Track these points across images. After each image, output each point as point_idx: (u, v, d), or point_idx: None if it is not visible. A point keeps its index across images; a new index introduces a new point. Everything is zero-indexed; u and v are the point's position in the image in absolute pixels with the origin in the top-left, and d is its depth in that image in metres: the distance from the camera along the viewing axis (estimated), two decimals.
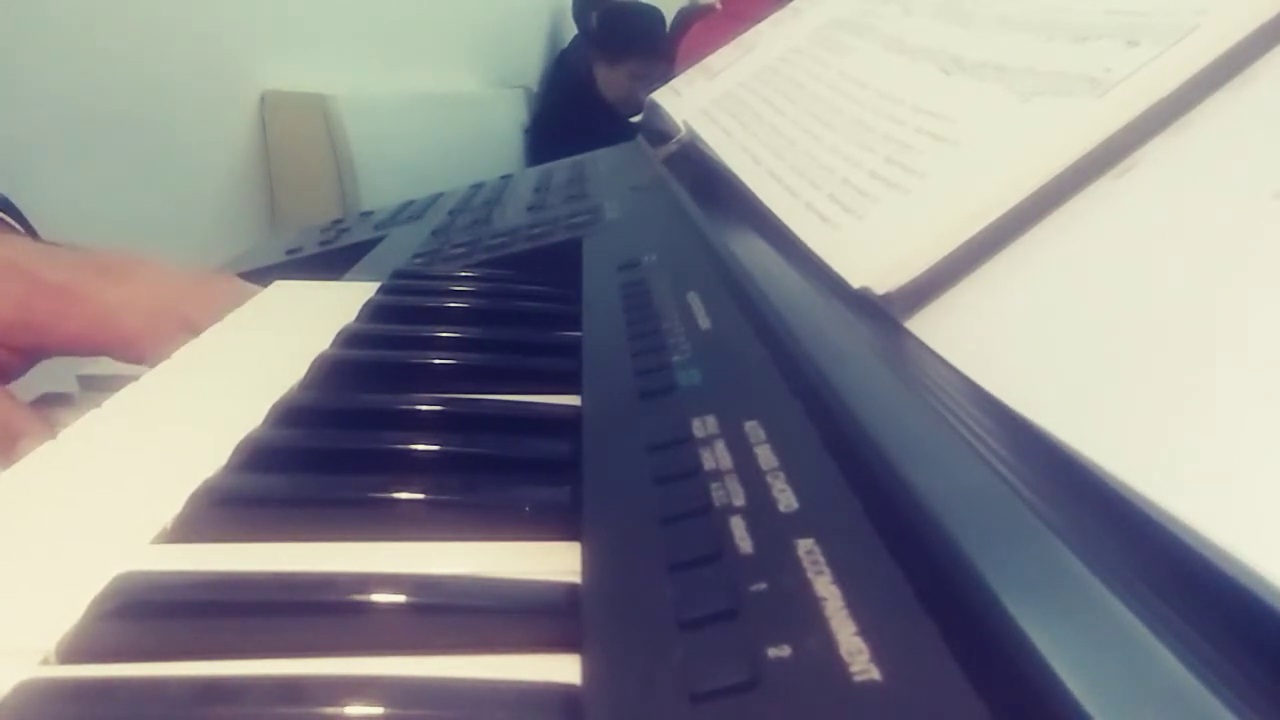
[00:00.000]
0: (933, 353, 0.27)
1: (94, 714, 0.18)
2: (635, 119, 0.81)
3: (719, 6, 1.88)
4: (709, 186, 0.50)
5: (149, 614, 0.20)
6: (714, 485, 0.22)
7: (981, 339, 0.26)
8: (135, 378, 0.35)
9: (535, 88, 2.15)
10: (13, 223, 0.50)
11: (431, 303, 0.42)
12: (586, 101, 1.99)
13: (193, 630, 0.20)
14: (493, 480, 0.26)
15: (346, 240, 0.63)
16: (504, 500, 0.25)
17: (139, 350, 0.39)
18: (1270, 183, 0.22)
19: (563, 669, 0.18)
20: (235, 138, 1.36)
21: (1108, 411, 0.20)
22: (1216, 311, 0.20)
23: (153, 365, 0.37)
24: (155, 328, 0.40)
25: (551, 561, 0.22)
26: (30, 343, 0.40)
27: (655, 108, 0.73)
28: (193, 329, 0.40)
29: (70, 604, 0.20)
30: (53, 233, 0.52)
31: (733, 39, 0.73)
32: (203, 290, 0.44)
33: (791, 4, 0.71)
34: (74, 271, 0.42)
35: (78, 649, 0.19)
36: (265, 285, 0.47)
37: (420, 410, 0.31)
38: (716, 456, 0.23)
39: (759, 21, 0.73)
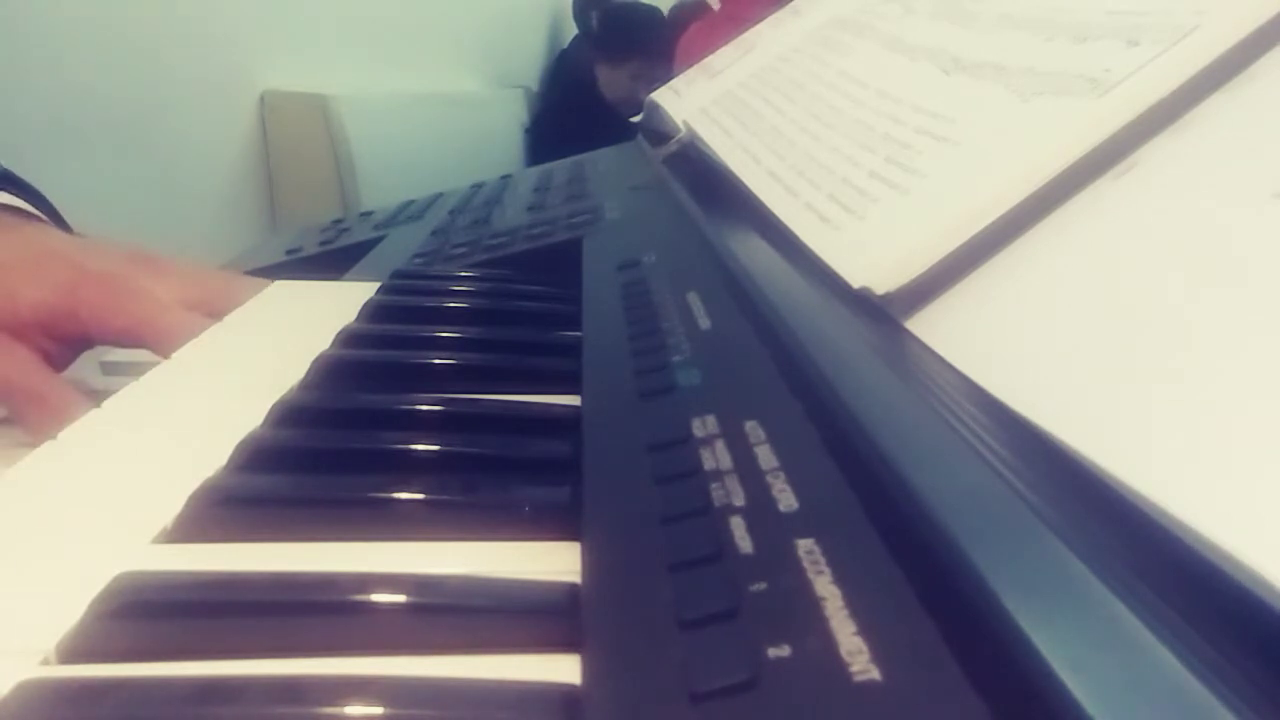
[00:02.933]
0: (933, 353, 0.27)
1: (94, 714, 0.18)
2: (635, 119, 0.81)
3: (715, 7, 1.88)
4: (709, 186, 0.50)
5: (149, 614, 0.20)
6: (714, 485, 0.22)
7: (981, 339, 0.26)
8: (158, 363, 0.35)
9: (535, 88, 2.15)
10: (43, 216, 0.50)
11: (431, 303, 0.42)
12: (587, 101, 1.99)
13: (193, 630, 0.20)
14: (493, 480, 0.26)
15: (346, 240, 0.63)
16: (504, 500, 0.25)
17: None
18: (1270, 183, 0.22)
19: (563, 669, 0.18)
20: (235, 138, 1.35)
21: (1108, 411, 0.20)
22: (1217, 311, 0.20)
23: None
24: (198, 327, 0.39)
25: (551, 561, 0.22)
26: (76, 333, 0.39)
27: (655, 108, 0.73)
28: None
29: (70, 604, 0.20)
30: None
31: (732, 39, 0.73)
32: (234, 289, 0.44)
33: (791, 4, 0.71)
34: (119, 263, 0.42)
35: (78, 649, 0.19)
36: (265, 285, 0.47)
37: (420, 410, 0.31)
38: (716, 456, 0.23)
39: (758, 22, 0.73)
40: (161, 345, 0.38)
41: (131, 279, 0.41)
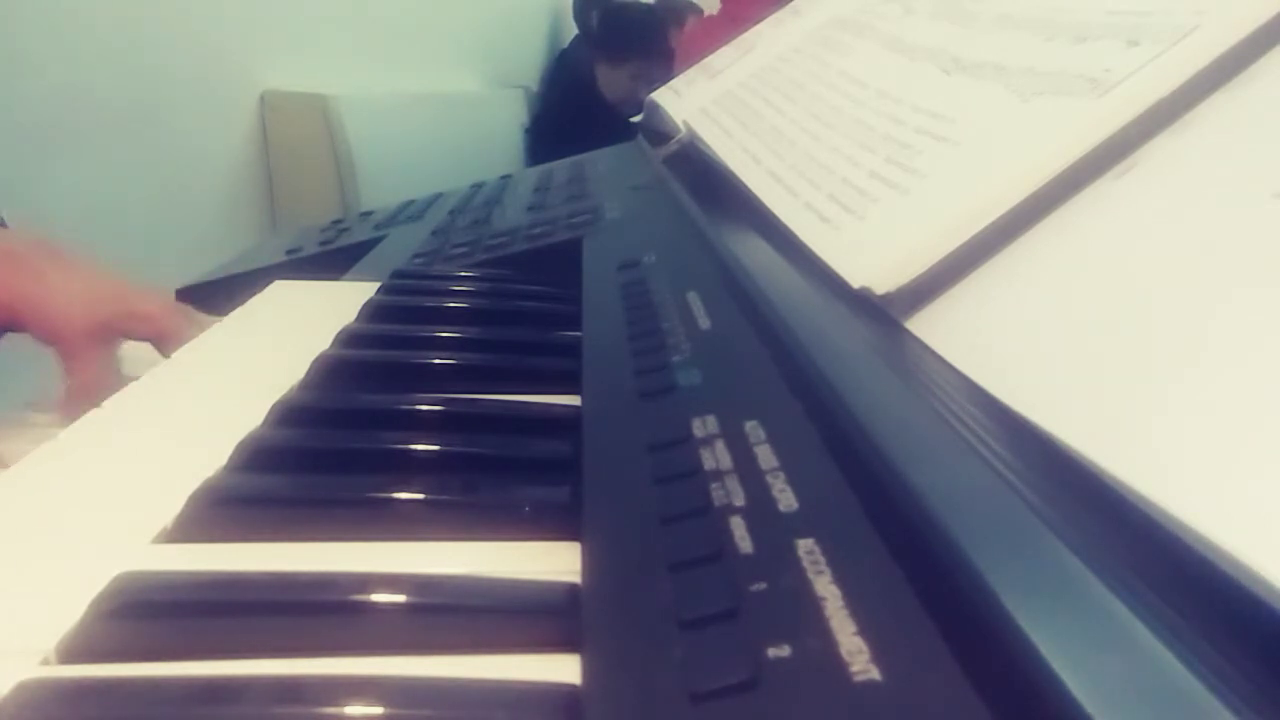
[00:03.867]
0: (933, 353, 0.27)
1: (94, 714, 0.18)
2: (635, 119, 0.81)
3: (705, 11, 1.89)
4: (709, 186, 0.50)
5: (149, 614, 0.20)
6: (714, 485, 0.22)
7: (981, 339, 0.26)
8: (135, 378, 0.35)
9: (535, 88, 2.15)
10: None
11: (431, 303, 0.42)
12: (586, 101, 1.99)
13: (193, 630, 0.20)
14: (493, 480, 0.26)
15: (346, 240, 0.63)
16: (504, 500, 0.25)
17: (61, 334, 0.37)
18: (1270, 183, 0.22)
19: (563, 669, 0.18)
20: (235, 138, 1.36)
21: (1107, 411, 0.20)
22: (1216, 311, 0.20)
23: (72, 378, 0.36)
24: (87, 318, 0.38)
25: (551, 561, 0.22)
26: None
27: (655, 108, 0.73)
28: (126, 332, 0.39)
29: (70, 604, 0.20)
30: (53, 232, 0.51)
31: (732, 39, 0.73)
32: (141, 297, 0.42)
33: (791, 4, 0.71)
34: (13, 243, 0.41)
35: (78, 649, 0.19)
36: (265, 285, 0.47)
37: (420, 410, 0.31)
38: (716, 456, 0.23)
39: (758, 22, 0.73)
40: (37, 328, 0.37)
41: (23, 258, 0.39)
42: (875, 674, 0.16)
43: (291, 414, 0.30)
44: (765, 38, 0.68)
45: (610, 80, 2.03)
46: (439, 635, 0.20)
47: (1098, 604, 0.15)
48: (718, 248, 0.39)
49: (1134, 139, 0.28)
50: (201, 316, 0.43)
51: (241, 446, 0.27)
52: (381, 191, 1.28)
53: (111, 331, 0.40)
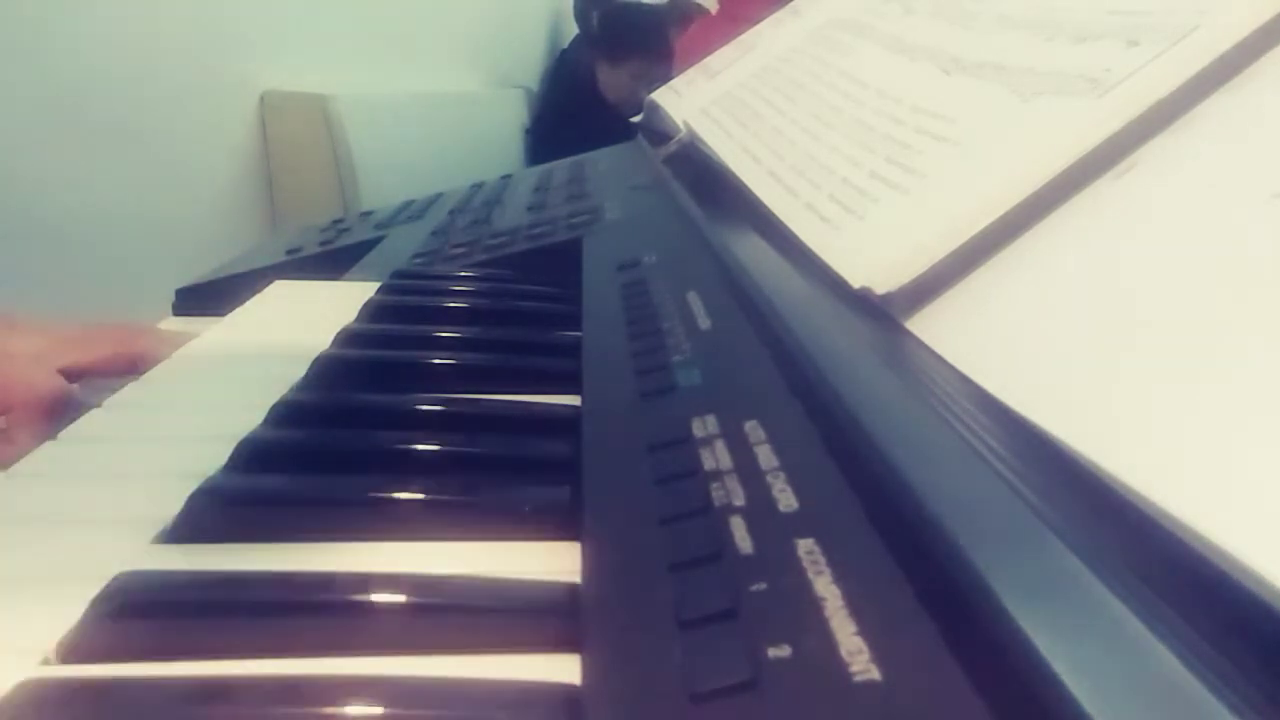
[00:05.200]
0: (933, 353, 0.27)
1: (94, 714, 0.18)
2: (635, 119, 0.81)
3: (711, 10, 1.89)
4: (709, 186, 0.50)
5: (149, 614, 0.20)
6: (714, 485, 0.22)
7: (981, 339, 0.26)
8: (135, 378, 0.35)
9: (535, 88, 2.15)
10: None
11: (431, 303, 0.42)
12: (587, 101, 1.99)
13: (193, 630, 0.20)
14: (493, 480, 0.26)
15: (346, 240, 0.63)
16: (504, 500, 0.25)
17: (19, 401, 0.37)
18: (1270, 183, 0.22)
19: (563, 669, 0.18)
20: (235, 138, 1.35)
21: (1108, 411, 0.20)
22: (1216, 311, 0.20)
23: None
24: (28, 377, 0.38)
25: (551, 561, 0.22)
26: None
27: (655, 108, 0.73)
28: (92, 375, 0.39)
29: (70, 604, 0.20)
30: (54, 232, 0.51)
31: (732, 39, 0.73)
32: (82, 339, 0.42)
33: (791, 4, 0.71)
34: None
35: (78, 649, 0.19)
36: (265, 285, 0.47)
37: (420, 410, 0.31)
38: (716, 456, 0.23)
39: (758, 22, 0.73)
40: (5, 399, 0.37)
41: None
42: (875, 674, 0.15)
43: (291, 414, 0.30)
44: (765, 38, 0.68)
45: (610, 80, 2.03)
46: (439, 635, 0.20)
47: (1098, 604, 0.15)
48: (718, 248, 0.39)
49: (1134, 139, 0.28)
50: (165, 330, 0.43)
51: (241, 446, 0.27)
52: (381, 191, 1.28)
53: (83, 375, 0.39)
